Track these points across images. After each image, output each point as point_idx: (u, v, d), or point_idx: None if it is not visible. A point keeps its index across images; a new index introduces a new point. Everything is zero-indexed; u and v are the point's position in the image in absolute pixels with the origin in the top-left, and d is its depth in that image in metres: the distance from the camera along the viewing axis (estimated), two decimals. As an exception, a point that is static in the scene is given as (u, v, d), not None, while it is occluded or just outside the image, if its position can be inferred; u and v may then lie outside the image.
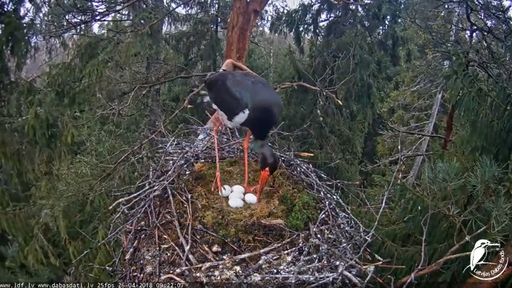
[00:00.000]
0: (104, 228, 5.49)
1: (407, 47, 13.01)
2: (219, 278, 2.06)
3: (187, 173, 3.09)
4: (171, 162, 3.23)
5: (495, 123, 3.30)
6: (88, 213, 6.25)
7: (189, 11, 12.33)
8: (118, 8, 7.85)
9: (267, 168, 2.59)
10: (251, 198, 2.75)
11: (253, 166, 3.15)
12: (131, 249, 2.46)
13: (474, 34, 7.98)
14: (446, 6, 9.71)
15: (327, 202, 2.77)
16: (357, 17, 12.30)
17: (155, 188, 2.81)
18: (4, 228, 6.57)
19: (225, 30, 11.77)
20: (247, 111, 2.61)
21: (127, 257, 2.42)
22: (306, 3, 12.72)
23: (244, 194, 2.80)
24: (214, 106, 3.04)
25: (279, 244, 2.31)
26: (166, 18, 10.94)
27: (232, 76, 2.92)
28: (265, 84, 2.93)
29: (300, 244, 2.31)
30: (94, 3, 7.78)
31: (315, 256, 2.23)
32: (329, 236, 2.46)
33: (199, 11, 12.52)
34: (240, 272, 2.10)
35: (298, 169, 3.19)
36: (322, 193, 2.87)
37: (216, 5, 12.93)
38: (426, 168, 2.91)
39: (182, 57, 12.28)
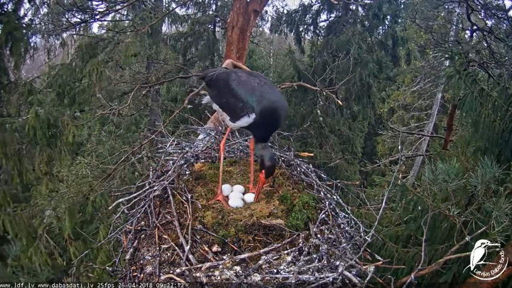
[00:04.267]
0: (106, 229, 5.50)
1: (407, 47, 12.99)
2: (219, 278, 2.06)
3: (187, 173, 3.09)
4: (171, 162, 3.23)
5: (497, 123, 3.27)
6: (89, 214, 6.25)
7: (186, 11, 12.31)
8: (117, 7, 7.84)
9: (263, 171, 2.55)
10: (250, 197, 2.75)
11: (256, 167, 3.14)
12: (131, 249, 2.46)
13: (474, 34, 7.99)
14: (446, 6, 9.72)
15: (327, 202, 2.76)
16: (358, 17, 12.29)
17: (155, 188, 2.82)
18: (7, 229, 6.55)
19: (223, 31, 11.80)
20: (253, 116, 2.53)
21: (127, 257, 2.42)
22: (306, 3, 12.74)
23: (244, 193, 2.81)
24: (215, 107, 2.91)
25: (279, 244, 2.31)
26: (166, 18, 10.91)
27: (236, 75, 2.74)
28: (271, 86, 2.76)
29: (300, 244, 2.31)
30: (94, 3, 7.77)
31: (315, 256, 2.22)
32: (329, 236, 2.45)
33: (196, 11, 12.49)
34: (240, 272, 2.09)
35: (298, 169, 3.19)
36: (322, 193, 2.87)
37: (214, 5, 12.91)
38: (427, 169, 2.89)
39: (180, 57, 12.27)
